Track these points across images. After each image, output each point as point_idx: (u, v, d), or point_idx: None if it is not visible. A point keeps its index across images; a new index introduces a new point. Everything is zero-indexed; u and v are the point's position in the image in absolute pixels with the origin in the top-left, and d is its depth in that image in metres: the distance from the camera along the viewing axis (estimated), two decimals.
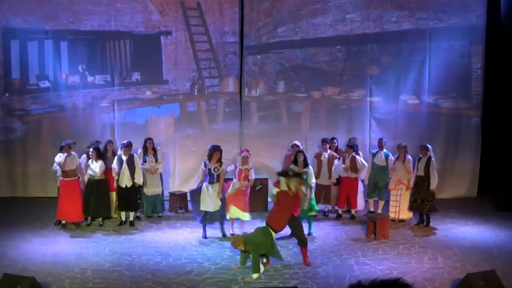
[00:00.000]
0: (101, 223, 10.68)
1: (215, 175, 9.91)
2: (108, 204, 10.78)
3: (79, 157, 10.72)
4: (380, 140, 11.51)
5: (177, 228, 10.67)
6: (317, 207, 10.23)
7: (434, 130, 13.00)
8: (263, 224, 8.51)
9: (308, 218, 10.06)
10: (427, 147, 10.78)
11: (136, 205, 10.78)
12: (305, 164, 10.08)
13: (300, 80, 13.12)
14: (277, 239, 8.82)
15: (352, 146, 11.28)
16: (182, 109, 13.09)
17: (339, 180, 11.28)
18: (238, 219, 10.18)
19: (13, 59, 12.83)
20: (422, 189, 10.61)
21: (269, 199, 11.81)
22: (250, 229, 9.81)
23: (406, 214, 10.96)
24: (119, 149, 10.87)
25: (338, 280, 7.99)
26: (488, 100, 12.96)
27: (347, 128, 12.94)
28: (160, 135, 12.70)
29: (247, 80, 13.04)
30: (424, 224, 10.72)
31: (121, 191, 10.57)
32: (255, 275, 8.04)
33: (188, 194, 10.33)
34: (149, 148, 11.20)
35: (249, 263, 8.27)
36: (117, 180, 10.56)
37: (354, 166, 11.10)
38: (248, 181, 10.22)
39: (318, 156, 11.43)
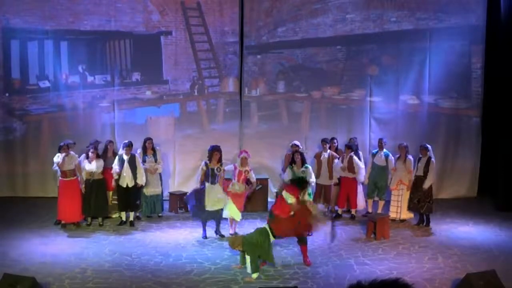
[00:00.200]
0: (101, 223, 10.67)
1: (217, 176, 9.94)
2: (107, 203, 10.79)
3: (79, 157, 10.71)
4: (380, 140, 11.51)
5: (177, 228, 10.67)
6: (311, 195, 10.20)
7: (434, 130, 13.00)
8: (263, 224, 8.52)
9: None
10: (427, 147, 10.78)
11: (137, 205, 10.78)
12: (303, 164, 10.11)
13: (300, 80, 13.12)
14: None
15: (350, 146, 11.29)
16: (182, 109, 13.09)
17: (339, 180, 11.29)
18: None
19: (13, 59, 12.82)
20: (420, 189, 10.62)
21: (269, 199, 11.82)
22: (242, 229, 9.92)
23: (407, 214, 10.96)
24: (120, 149, 10.86)
25: (338, 280, 7.99)
26: (488, 100, 12.96)
27: (347, 128, 12.94)
28: (160, 135, 12.69)
29: (247, 80, 13.04)
30: (424, 224, 10.72)
31: (122, 191, 10.56)
32: (254, 275, 8.04)
33: (190, 194, 10.25)
34: (149, 148, 11.19)
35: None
36: (117, 180, 10.56)
37: (351, 166, 11.11)
38: (251, 184, 10.21)
39: (318, 156, 11.43)
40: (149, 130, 12.62)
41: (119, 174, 10.49)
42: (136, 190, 10.61)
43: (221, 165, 10.03)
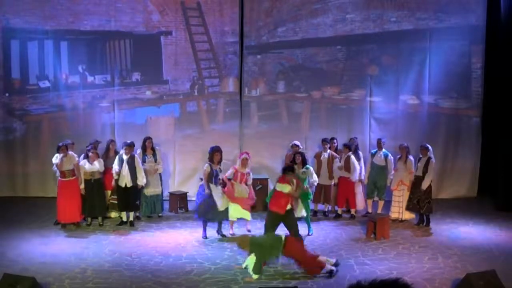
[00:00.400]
0: (101, 223, 10.67)
1: (219, 176, 9.99)
2: (106, 203, 10.80)
3: (78, 157, 10.70)
4: (379, 140, 11.51)
5: (177, 228, 10.67)
6: (310, 195, 10.25)
7: (434, 130, 13.00)
8: (282, 233, 8.57)
9: (305, 219, 10.04)
10: (427, 147, 10.78)
11: (136, 205, 10.77)
12: (304, 164, 10.12)
13: (300, 80, 13.12)
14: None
15: (348, 146, 11.29)
16: (182, 109, 13.09)
17: (339, 180, 11.30)
18: (238, 219, 10.19)
19: (13, 59, 12.84)
20: (419, 189, 10.62)
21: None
22: (254, 229, 9.97)
23: (408, 214, 10.96)
24: (121, 149, 10.86)
25: (338, 280, 7.99)
26: (488, 100, 12.96)
27: (347, 128, 12.94)
28: (160, 135, 12.69)
29: (247, 80, 13.04)
30: (424, 224, 10.72)
31: (121, 191, 10.56)
32: (255, 276, 8.03)
33: (201, 199, 10.18)
34: (148, 147, 11.17)
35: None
36: (117, 180, 10.55)
37: (348, 166, 11.11)
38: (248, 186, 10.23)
39: (318, 156, 11.44)
40: (149, 130, 12.61)
41: (119, 174, 10.49)
42: (136, 190, 10.61)
43: (220, 165, 10.09)
